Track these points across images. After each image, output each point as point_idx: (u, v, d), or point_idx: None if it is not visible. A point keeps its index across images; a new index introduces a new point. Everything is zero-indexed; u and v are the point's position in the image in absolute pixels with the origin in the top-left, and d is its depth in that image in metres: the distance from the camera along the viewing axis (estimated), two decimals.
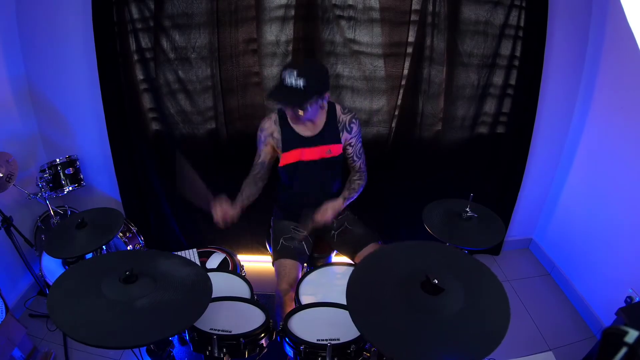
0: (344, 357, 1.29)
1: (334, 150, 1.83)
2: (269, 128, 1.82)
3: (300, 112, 1.64)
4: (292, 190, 1.92)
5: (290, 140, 1.80)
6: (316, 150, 1.80)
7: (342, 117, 1.83)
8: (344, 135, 1.84)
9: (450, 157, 2.40)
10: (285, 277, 1.75)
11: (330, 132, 1.81)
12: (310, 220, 1.77)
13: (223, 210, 1.73)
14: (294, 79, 1.55)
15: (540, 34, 2.10)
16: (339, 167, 1.92)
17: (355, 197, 1.91)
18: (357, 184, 1.91)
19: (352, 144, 1.88)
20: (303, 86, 1.55)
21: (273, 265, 1.87)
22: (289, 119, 1.79)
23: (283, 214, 1.99)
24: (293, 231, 1.91)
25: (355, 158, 1.92)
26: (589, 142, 2.34)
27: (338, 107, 1.85)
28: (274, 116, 1.82)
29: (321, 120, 1.80)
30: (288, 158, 1.81)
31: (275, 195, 2.05)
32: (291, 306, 1.66)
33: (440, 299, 1.03)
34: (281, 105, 1.67)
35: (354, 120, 1.85)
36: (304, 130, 1.80)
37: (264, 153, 1.86)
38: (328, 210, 1.77)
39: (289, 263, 1.79)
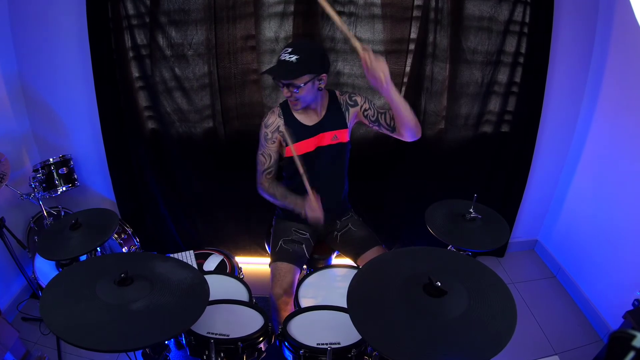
0: None
1: (340, 136, 1.83)
2: (275, 122, 1.80)
3: (295, 91, 1.63)
4: (296, 184, 1.91)
5: (296, 131, 1.79)
6: (322, 138, 1.80)
7: (342, 99, 1.84)
8: (351, 112, 1.83)
9: (453, 157, 2.41)
10: (279, 281, 1.75)
11: (334, 118, 1.81)
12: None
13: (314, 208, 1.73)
14: (287, 55, 1.59)
15: (546, 30, 2.10)
16: (346, 156, 1.90)
17: (406, 109, 1.64)
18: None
19: (367, 107, 1.81)
20: (296, 60, 1.58)
21: (270, 267, 1.87)
22: (290, 107, 1.77)
23: (285, 214, 1.99)
24: (294, 233, 1.91)
25: (381, 112, 1.79)
26: (595, 141, 2.34)
27: (337, 92, 1.86)
28: (277, 110, 1.82)
29: (323, 107, 1.81)
30: (295, 150, 1.79)
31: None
32: (285, 311, 1.66)
33: (443, 302, 1.03)
34: (275, 80, 1.68)
35: (353, 95, 1.84)
36: (307, 120, 1.80)
37: (273, 151, 1.83)
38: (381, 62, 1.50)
39: (285, 267, 1.79)
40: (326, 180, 1.88)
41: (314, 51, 1.68)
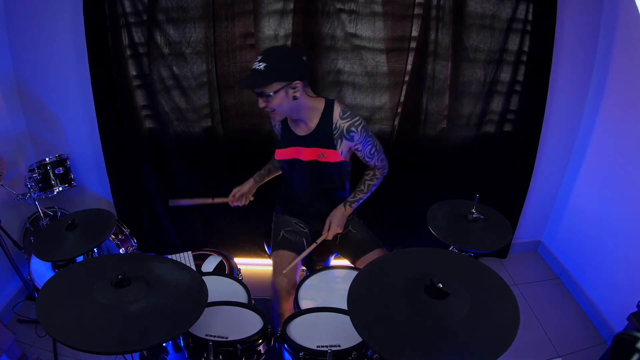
0: None
1: (328, 155, 1.76)
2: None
3: (264, 101, 1.62)
4: (292, 187, 1.93)
5: (286, 136, 1.82)
6: (309, 151, 1.79)
7: (340, 123, 1.72)
8: (344, 143, 1.75)
9: (455, 156, 2.41)
10: (283, 269, 1.73)
11: (322, 135, 1.75)
12: (322, 236, 1.85)
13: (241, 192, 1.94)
14: (257, 64, 1.58)
15: (549, 27, 2.10)
16: (340, 173, 1.88)
17: (366, 197, 1.90)
18: (370, 185, 1.88)
19: (359, 149, 1.79)
20: (264, 67, 1.56)
21: (271, 257, 1.87)
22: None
23: (284, 210, 2.01)
24: (295, 225, 1.93)
25: (367, 159, 1.84)
26: (599, 140, 2.34)
27: (336, 110, 1.73)
28: None
29: (312, 119, 1.75)
30: (282, 154, 1.84)
31: (278, 191, 2.06)
32: (288, 302, 1.66)
33: (444, 304, 1.03)
34: (244, 88, 1.70)
35: (353, 129, 1.71)
36: (298, 130, 1.80)
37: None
38: (332, 225, 1.85)
39: (287, 255, 1.79)
40: (315, 188, 1.88)
41: (287, 57, 1.64)
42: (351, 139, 1.74)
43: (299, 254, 1.81)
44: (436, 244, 1.57)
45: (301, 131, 1.79)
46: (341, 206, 1.87)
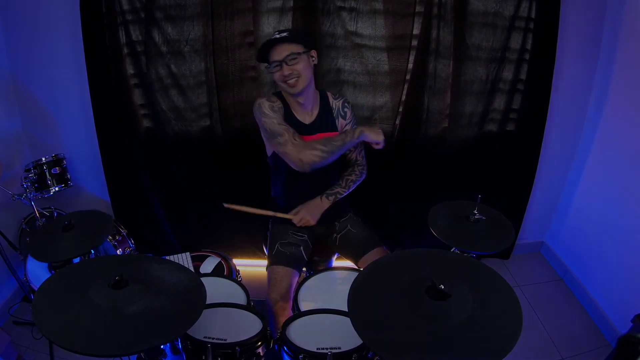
0: None
1: None
2: (277, 102, 1.75)
3: (294, 60, 1.63)
4: (286, 186, 1.91)
5: (292, 126, 1.76)
6: (316, 138, 1.79)
7: (335, 103, 1.86)
8: (339, 122, 1.86)
9: (457, 156, 2.41)
10: (276, 286, 1.74)
11: (326, 120, 1.83)
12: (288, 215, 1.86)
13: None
14: (277, 34, 1.67)
15: (552, 25, 2.10)
16: (339, 160, 1.89)
17: (345, 194, 1.91)
18: (349, 180, 1.92)
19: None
20: (287, 33, 1.65)
21: (266, 270, 1.87)
22: (289, 91, 1.72)
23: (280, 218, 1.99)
24: (292, 235, 1.91)
25: (351, 149, 1.91)
26: (603, 139, 2.34)
27: (329, 94, 1.88)
28: (276, 98, 1.80)
29: (315, 106, 1.82)
30: None
31: (272, 195, 2.05)
32: (283, 316, 1.66)
33: (446, 305, 1.03)
34: (271, 63, 1.66)
35: (346, 104, 1.87)
36: (304, 117, 1.81)
37: (283, 120, 1.75)
38: (303, 212, 1.84)
39: (281, 271, 1.78)
40: (314, 179, 1.86)
41: (304, 31, 1.86)
42: (344, 116, 1.87)
43: (294, 267, 1.80)
44: (438, 246, 1.57)
45: (306, 118, 1.82)
46: (318, 198, 1.87)
